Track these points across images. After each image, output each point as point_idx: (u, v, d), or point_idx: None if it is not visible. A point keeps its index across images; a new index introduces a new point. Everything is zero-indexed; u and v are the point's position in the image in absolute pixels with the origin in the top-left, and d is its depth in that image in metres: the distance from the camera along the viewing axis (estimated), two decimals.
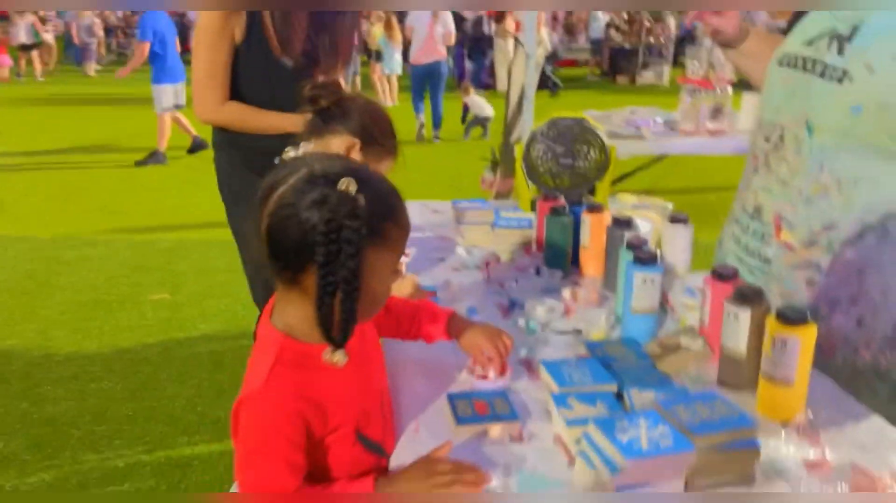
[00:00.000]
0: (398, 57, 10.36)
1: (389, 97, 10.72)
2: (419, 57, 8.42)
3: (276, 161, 2.02)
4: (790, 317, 1.06)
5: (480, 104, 8.28)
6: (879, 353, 1.32)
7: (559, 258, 1.72)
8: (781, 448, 0.99)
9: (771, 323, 1.08)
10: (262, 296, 2.10)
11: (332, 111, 1.46)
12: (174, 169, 6.75)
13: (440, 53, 8.43)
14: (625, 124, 3.14)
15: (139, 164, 6.87)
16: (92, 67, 15.26)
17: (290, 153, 1.46)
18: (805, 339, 1.06)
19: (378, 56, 10.67)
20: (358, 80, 12.42)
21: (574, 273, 1.74)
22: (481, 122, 8.32)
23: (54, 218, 5.18)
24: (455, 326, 1.20)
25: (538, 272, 1.70)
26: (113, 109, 10.24)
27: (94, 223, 5.04)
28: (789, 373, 1.06)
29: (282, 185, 0.85)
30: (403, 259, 1.61)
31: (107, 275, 4.02)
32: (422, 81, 8.42)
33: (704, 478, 0.92)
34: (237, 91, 1.94)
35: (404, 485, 0.89)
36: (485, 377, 1.19)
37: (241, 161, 2.02)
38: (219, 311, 3.52)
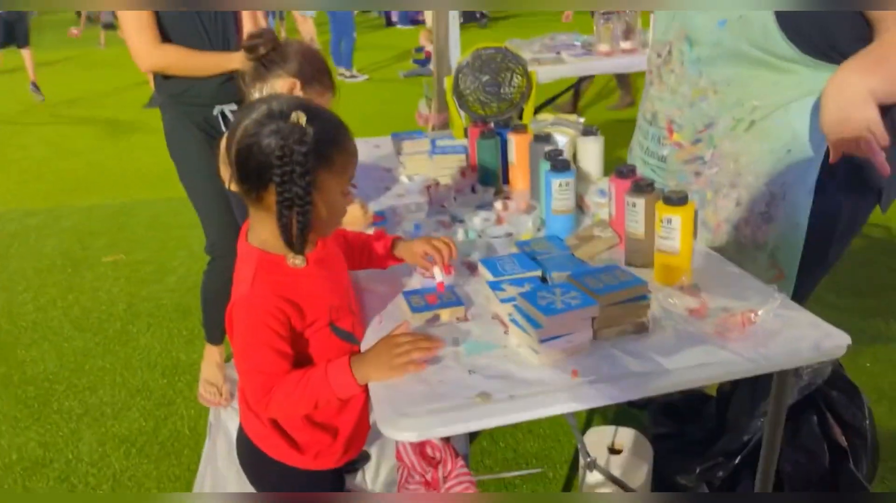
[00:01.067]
0: None
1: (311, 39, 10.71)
2: None
3: (215, 112, 2.16)
4: (673, 200, 1.30)
5: None
6: (756, 228, 1.59)
7: (490, 176, 1.93)
8: (668, 301, 1.25)
9: (659, 206, 1.33)
10: (215, 241, 2.26)
11: (271, 57, 1.60)
12: (105, 134, 6.62)
13: None
14: (545, 50, 3.32)
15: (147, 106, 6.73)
16: None
17: (254, 95, 1.59)
18: (685, 217, 1.31)
19: None
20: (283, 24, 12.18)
21: (505, 189, 1.97)
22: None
23: None
24: (398, 246, 1.41)
25: (473, 190, 1.92)
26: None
27: (28, 194, 4.99)
28: (674, 244, 1.31)
29: (246, 120, 1.02)
30: (351, 190, 1.80)
31: (56, 242, 4.06)
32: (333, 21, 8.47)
33: (609, 327, 1.18)
34: (167, 40, 2.02)
35: (372, 358, 1.11)
36: (432, 277, 1.40)
37: (186, 116, 2.13)
38: (177, 265, 3.64)
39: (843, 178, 1.44)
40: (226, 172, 1.81)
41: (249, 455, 1.28)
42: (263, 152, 1.01)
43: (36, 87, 6.85)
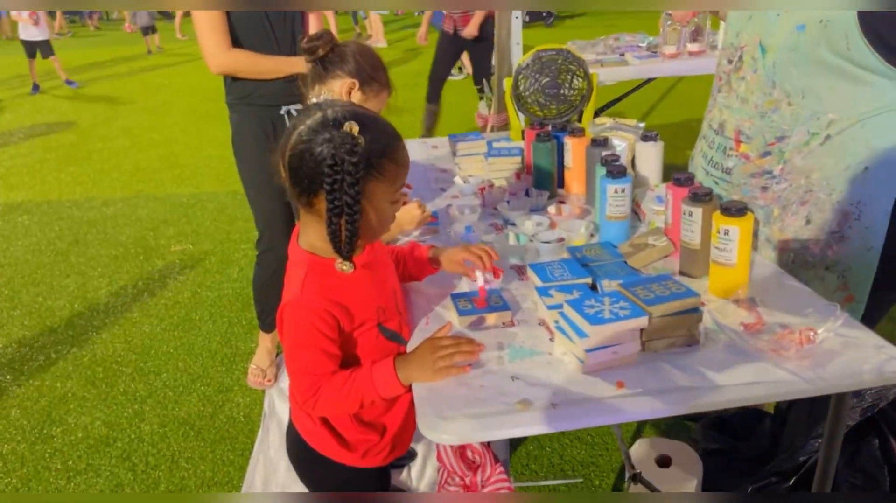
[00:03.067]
0: None
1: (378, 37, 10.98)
2: None
3: (282, 112, 2.22)
4: (731, 210, 1.26)
5: None
6: (826, 247, 1.52)
7: (545, 179, 1.92)
8: (721, 314, 1.22)
9: (716, 216, 1.29)
10: (264, 234, 2.34)
11: (329, 58, 1.64)
12: (181, 127, 6.90)
13: None
14: (609, 51, 3.27)
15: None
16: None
17: (312, 100, 1.63)
18: (743, 228, 1.26)
19: None
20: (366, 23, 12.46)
21: (561, 192, 1.95)
22: None
23: (67, 181, 5.39)
24: (435, 255, 1.40)
25: (527, 193, 1.90)
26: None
27: (108, 183, 5.25)
28: (731, 256, 1.27)
29: (301, 126, 1.05)
30: (406, 191, 1.81)
31: (131, 231, 4.26)
32: None
33: (658, 339, 1.15)
34: (237, 43, 2.10)
35: (416, 360, 1.12)
36: (485, 281, 1.41)
37: (252, 116, 2.20)
38: (240, 257, 3.76)
39: None
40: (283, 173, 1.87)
41: (299, 450, 1.31)
42: (315, 160, 1.02)
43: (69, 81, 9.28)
